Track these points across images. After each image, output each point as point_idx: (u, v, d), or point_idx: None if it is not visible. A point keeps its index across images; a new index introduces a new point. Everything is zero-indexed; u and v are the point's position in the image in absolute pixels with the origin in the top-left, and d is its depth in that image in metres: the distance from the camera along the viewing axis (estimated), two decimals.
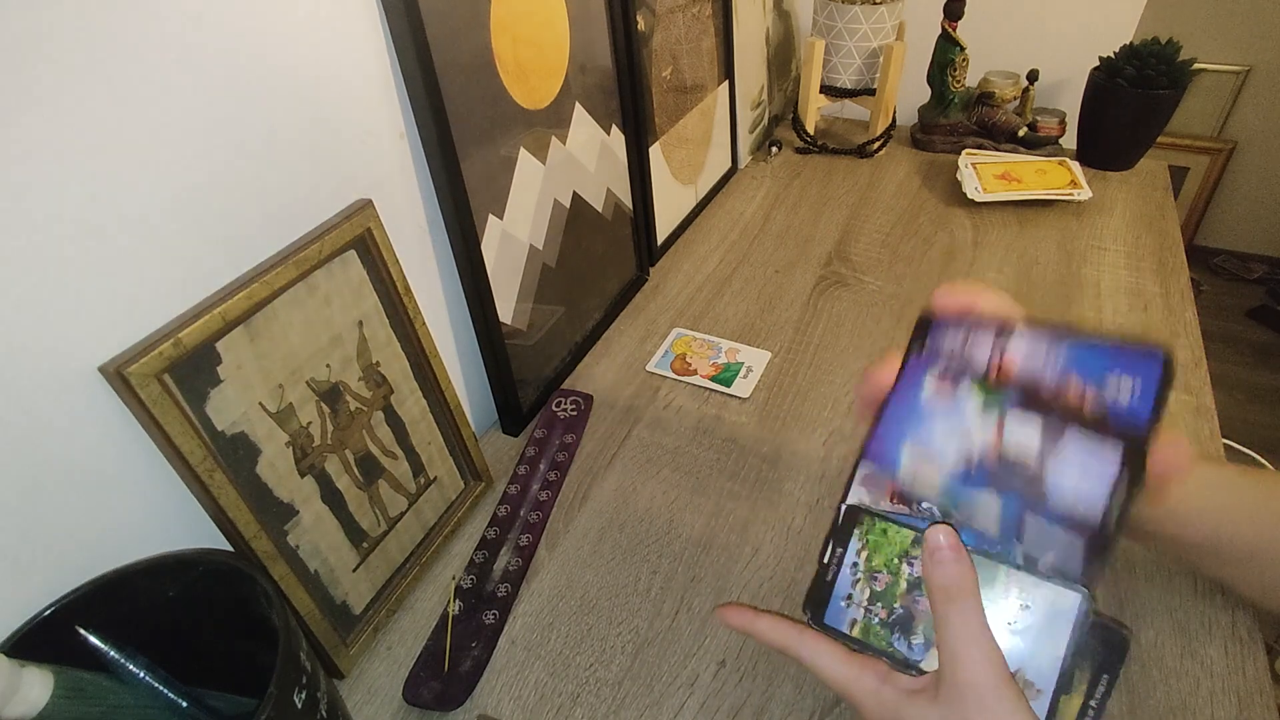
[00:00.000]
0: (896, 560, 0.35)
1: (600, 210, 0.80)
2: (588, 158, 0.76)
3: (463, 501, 0.63)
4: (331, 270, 0.48)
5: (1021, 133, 1.11)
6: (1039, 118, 1.12)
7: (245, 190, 0.45)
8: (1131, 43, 1.03)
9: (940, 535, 0.33)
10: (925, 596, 0.34)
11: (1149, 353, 0.33)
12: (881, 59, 1.09)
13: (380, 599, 0.55)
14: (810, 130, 1.17)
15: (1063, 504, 0.33)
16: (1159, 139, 1.06)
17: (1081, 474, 0.33)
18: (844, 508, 0.37)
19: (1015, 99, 1.12)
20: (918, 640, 0.35)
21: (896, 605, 0.35)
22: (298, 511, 0.48)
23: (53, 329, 0.36)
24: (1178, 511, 0.44)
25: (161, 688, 0.36)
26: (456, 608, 0.55)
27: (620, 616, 0.55)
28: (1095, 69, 1.05)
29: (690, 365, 0.77)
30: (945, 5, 1.07)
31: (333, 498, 0.50)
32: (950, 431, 0.36)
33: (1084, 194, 0.98)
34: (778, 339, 0.81)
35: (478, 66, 0.59)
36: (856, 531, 0.37)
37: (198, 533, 0.45)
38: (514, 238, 0.67)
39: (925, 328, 0.39)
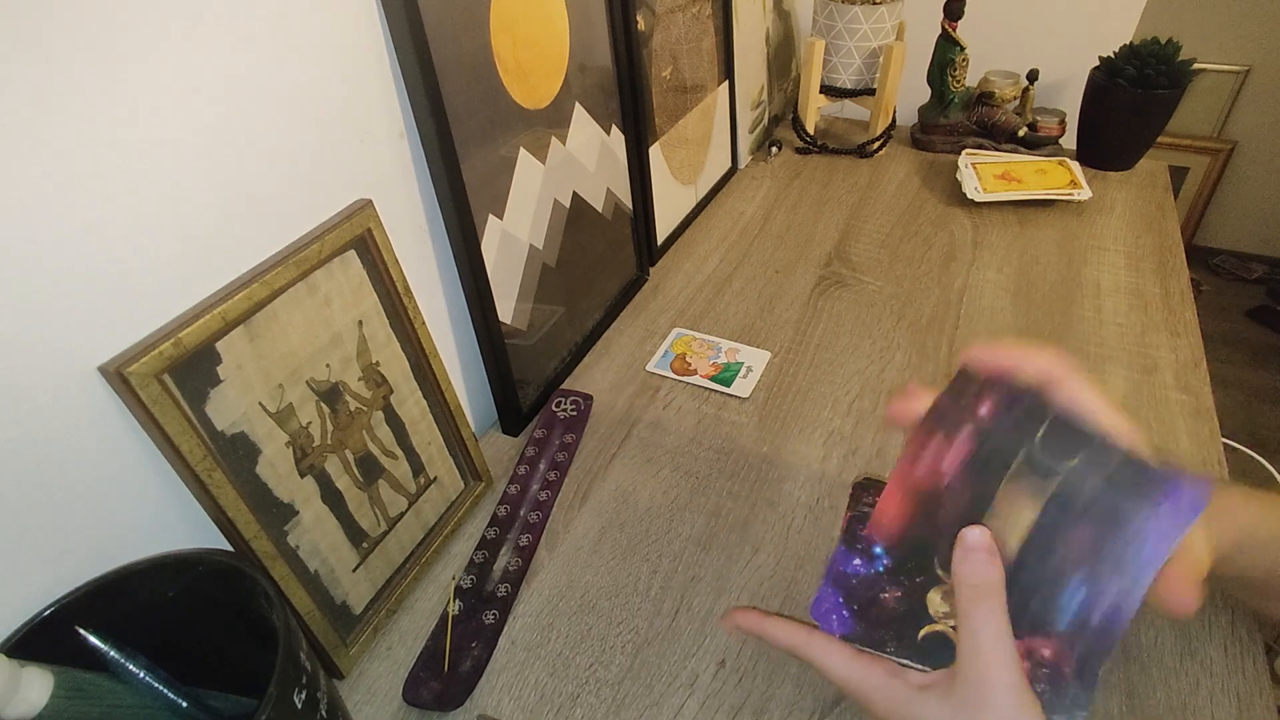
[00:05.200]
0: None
1: (600, 210, 0.80)
2: (588, 158, 0.76)
3: (463, 501, 0.63)
4: (331, 270, 0.48)
5: (1021, 133, 1.11)
6: (1039, 118, 1.12)
7: (245, 190, 0.45)
8: (1131, 43, 1.03)
9: (977, 534, 0.33)
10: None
11: (1189, 490, 0.31)
12: (881, 59, 1.09)
13: (380, 599, 0.55)
14: (810, 130, 1.17)
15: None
16: (1159, 139, 1.06)
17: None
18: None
19: (1015, 99, 1.12)
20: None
21: None
22: (298, 511, 0.48)
23: (53, 329, 0.36)
24: (1243, 548, 0.40)
25: (161, 688, 0.36)
26: (456, 608, 0.55)
27: (620, 616, 0.55)
28: (1095, 69, 1.05)
29: (690, 365, 0.77)
30: (945, 5, 1.07)
31: (333, 498, 0.50)
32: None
33: (1084, 194, 0.98)
34: (778, 339, 0.81)
35: (477, 66, 0.59)
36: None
37: (198, 533, 0.45)
38: (514, 238, 0.67)
39: (965, 384, 0.37)
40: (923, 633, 0.35)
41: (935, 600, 0.36)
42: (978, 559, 0.33)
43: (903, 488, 0.36)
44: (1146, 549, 0.31)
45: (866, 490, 0.40)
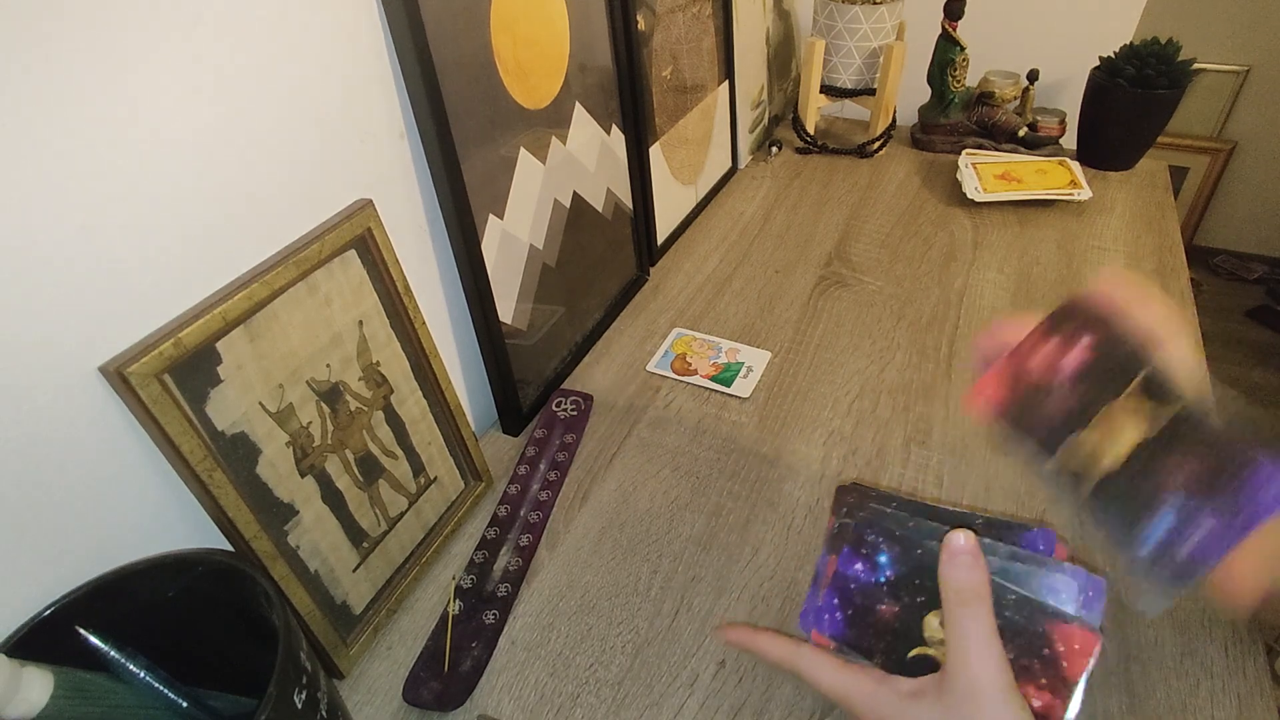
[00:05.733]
0: None
1: (600, 210, 0.80)
2: (588, 158, 0.76)
3: (463, 501, 0.63)
4: (331, 270, 0.48)
5: (1021, 133, 1.11)
6: (1039, 118, 1.12)
7: (245, 190, 0.45)
8: (1131, 43, 1.03)
9: (960, 539, 0.33)
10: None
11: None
12: (881, 59, 1.09)
13: (380, 599, 0.55)
14: (810, 130, 1.17)
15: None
16: (1159, 139, 1.06)
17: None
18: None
19: (1015, 99, 1.12)
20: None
21: None
22: (298, 511, 0.48)
23: (53, 329, 0.36)
24: None
25: (161, 688, 0.36)
26: (457, 608, 0.55)
27: (620, 616, 0.55)
28: (1095, 69, 1.06)
29: (690, 365, 0.77)
30: (945, 5, 1.07)
31: (333, 498, 0.50)
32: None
33: (1084, 194, 0.98)
34: (778, 339, 0.81)
35: (478, 66, 0.59)
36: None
37: (198, 533, 0.45)
38: (514, 237, 0.67)
39: (1067, 317, 0.36)
40: (912, 653, 0.35)
41: (933, 624, 0.36)
42: (963, 563, 0.33)
43: (1010, 371, 0.35)
44: (1248, 507, 0.29)
45: (851, 493, 0.40)
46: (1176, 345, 0.34)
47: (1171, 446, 0.32)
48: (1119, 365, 0.34)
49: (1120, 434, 0.33)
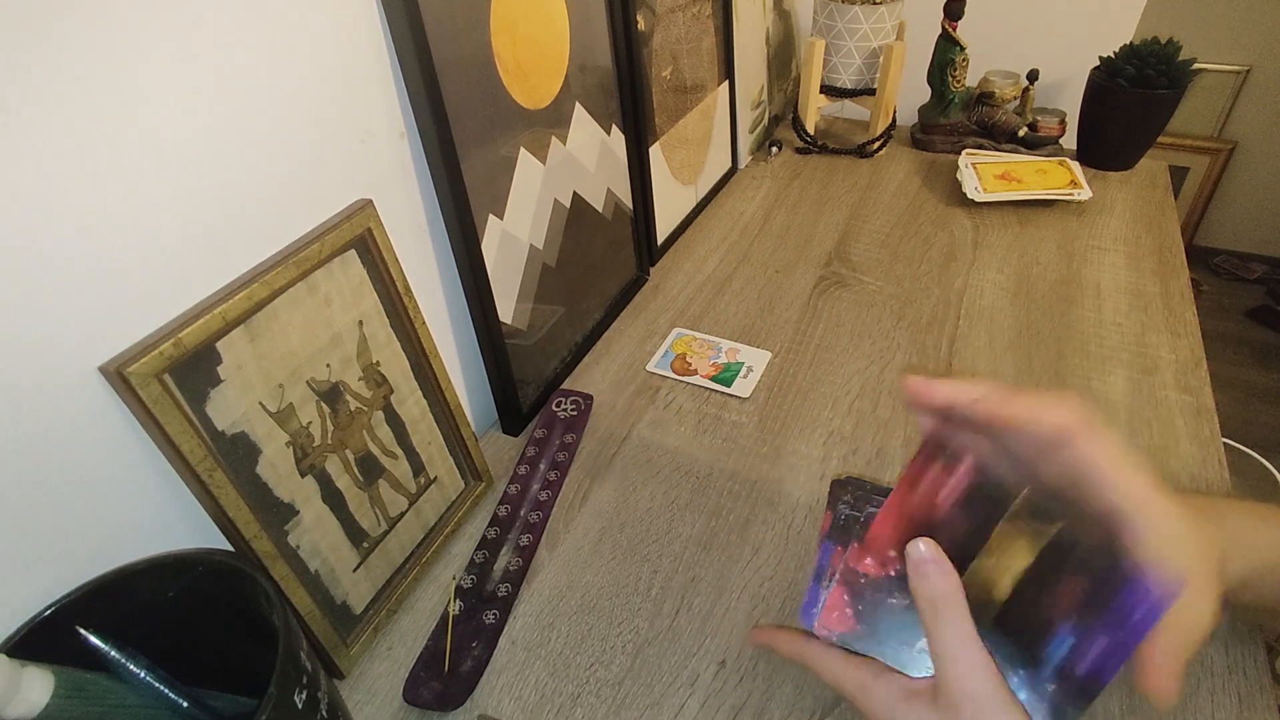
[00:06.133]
0: None
1: (600, 210, 0.80)
2: (588, 158, 0.76)
3: (463, 501, 0.63)
4: (331, 270, 0.48)
5: (1021, 133, 1.11)
6: (1039, 118, 1.12)
7: (245, 190, 0.45)
8: (1131, 43, 1.03)
9: (921, 547, 0.33)
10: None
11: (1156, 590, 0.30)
12: (881, 59, 1.09)
13: (380, 599, 0.55)
14: (810, 130, 1.17)
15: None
16: (1159, 139, 1.06)
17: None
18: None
19: (1015, 99, 1.12)
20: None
21: None
22: (298, 511, 0.48)
23: (53, 329, 0.36)
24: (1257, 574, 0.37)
25: (162, 688, 0.36)
26: (457, 608, 0.55)
27: (620, 616, 0.55)
28: (1095, 69, 1.05)
29: (690, 365, 0.77)
30: (945, 5, 1.07)
31: (333, 498, 0.50)
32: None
33: (1084, 194, 0.98)
34: (778, 339, 0.81)
35: (478, 66, 0.59)
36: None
37: (198, 533, 0.45)
38: (514, 237, 0.67)
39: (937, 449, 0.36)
40: (920, 644, 0.36)
41: None
42: (929, 570, 0.33)
43: (897, 513, 0.36)
44: (1135, 615, 0.30)
45: (845, 488, 0.40)
46: (1076, 443, 0.32)
47: (1057, 570, 0.33)
48: (999, 487, 0.34)
49: (1013, 558, 0.34)
